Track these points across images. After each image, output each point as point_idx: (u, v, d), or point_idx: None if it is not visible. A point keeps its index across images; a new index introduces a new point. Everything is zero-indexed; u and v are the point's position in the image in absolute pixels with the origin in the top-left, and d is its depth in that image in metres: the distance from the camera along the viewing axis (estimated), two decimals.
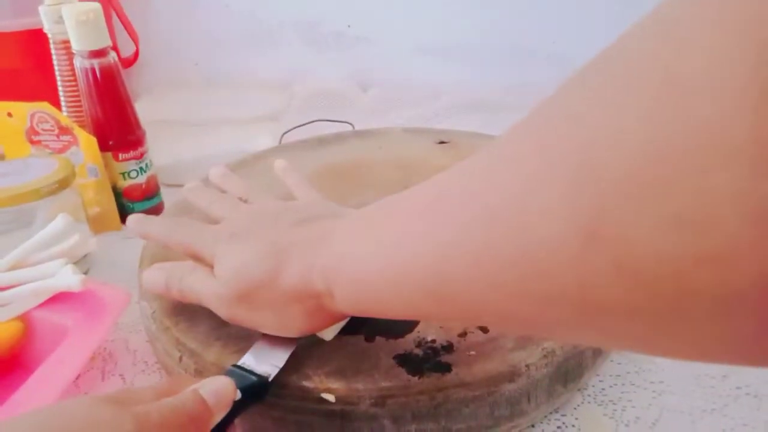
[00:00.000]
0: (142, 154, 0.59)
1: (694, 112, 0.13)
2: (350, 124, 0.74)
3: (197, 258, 0.35)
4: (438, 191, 0.24)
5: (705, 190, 0.13)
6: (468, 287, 0.22)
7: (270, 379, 0.31)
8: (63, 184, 0.50)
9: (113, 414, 0.24)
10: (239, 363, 0.32)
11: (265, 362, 0.32)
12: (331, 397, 0.31)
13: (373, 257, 0.26)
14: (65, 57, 0.57)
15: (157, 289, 0.37)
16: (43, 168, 0.51)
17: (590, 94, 0.17)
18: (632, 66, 0.16)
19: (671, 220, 0.14)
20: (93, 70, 0.55)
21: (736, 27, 0.13)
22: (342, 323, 0.35)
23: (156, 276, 0.37)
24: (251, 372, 0.31)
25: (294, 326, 0.32)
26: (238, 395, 0.29)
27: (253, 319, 0.32)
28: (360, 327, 0.36)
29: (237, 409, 0.28)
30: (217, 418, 0.27)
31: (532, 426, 0.36)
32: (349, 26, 0.94)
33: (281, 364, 0.32)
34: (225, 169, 0.45)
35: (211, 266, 0.34)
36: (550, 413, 0.36)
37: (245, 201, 0.40)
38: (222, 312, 0.33)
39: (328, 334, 0.35)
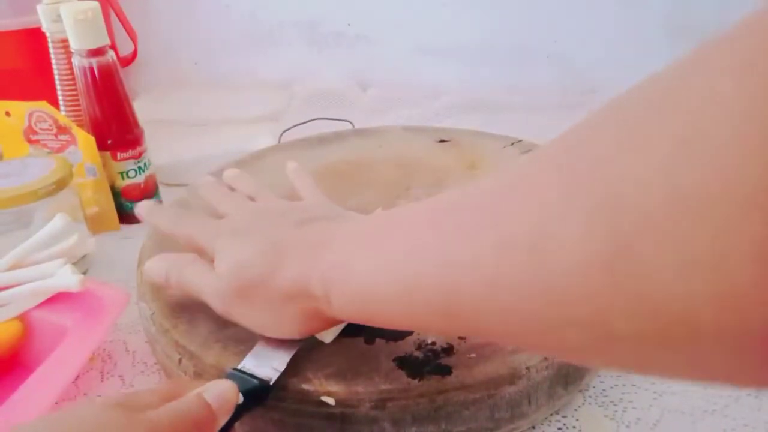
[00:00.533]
0: (140, 154, 0.59)
1: (714, 163, 0.14)
2: (350, 122, 0.74)
3: (200, 251, 0.35)
4: (453, 209, 0.24)
5: (722, 236, 0.14)
6: (478, 308, 0.22)
7: (272, 383, 0.31)
8: (60, 184, 0.50)
9: (126, 420, 0.24)
10: (239, 366, 0.32)
11: (266, 365, 0.31)
12: (330, 400, 0.31)
13: (379, 270, 0.26)
14: (63, 56, 0.57)
15: (158, 279, 0.37)
16: (40, 168, 0.51)
17: (617, 136, 0.18)
18: (658, 114, 0.16)
19: (689, 262, 0.15)
20: (91, 69, 0.55)
21: (757, 85, 0.14)
22: (341, 326, 0.35)
23: (158, 266, 0.37)
24: (252, 375, 0.31)
25: (289, 327, 0.32)
26: (240, 399, 0.28)
27: (248, 316, 0.32)
28: (360, 329, 0.36)
29: (238, 412, 0.28)
30: (221, 422, 0.27)
31: (533, 428, 0.36)
32: (349, 25, 0.94)
33: (282, 368, 0.32)
34: (238, 171, 0.45)
35: (212, 260, 0.34)
36: (551, 415, 0.36)
37: (254, 200, 0.40)
38: (218, 307, 0.33)
39: (328, 336, 0.35)
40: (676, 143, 0.15)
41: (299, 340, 0.33)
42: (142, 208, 0.40)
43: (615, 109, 0.19)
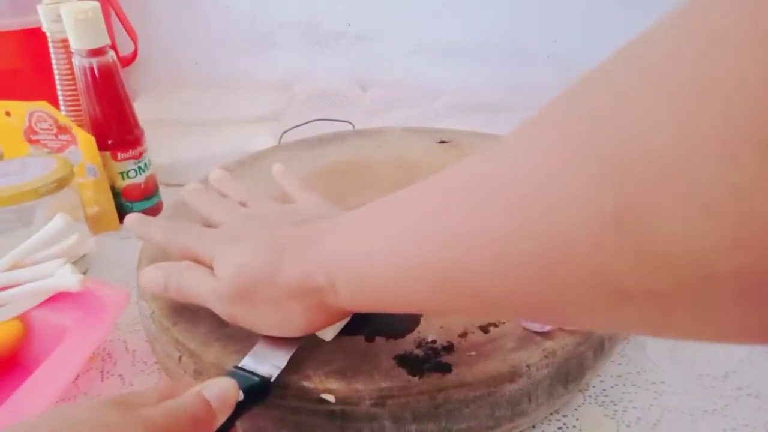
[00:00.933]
0: (140, 154, 0.59)
1: (724, 107, 0.14)
2: (350, 123, 0.74)
3: (196, 261, 0.35)
4: (451, 185, 0.24)
5: (736, 179, 0.13)
6: (484, 279, 0.21)
7: (272, 380, 0.31)
8: (62, 183, 0.50)
9: (121, 418, 0.24)
10: (240, 364, 0.32)
11: (266, 363, 0.31)
12: (331, 398, 0.31)
13: (380, 253, 0.26)
14: (64, 56, 0.57)
15: (156, 288, 0.37)
16: (41, 167, 0.51)
17: (615, 89, 0.17)
18: (659, 63, 0.16)
19: (701, 208, 0.14)
20: (91, 69, 0.55)
21: (761, 23, 0.13)
22: (342, 323, 0.35)
23: (154, 275, 0.36)
24: (253, 373, 0.31)
25: (293, 325, 0.31)
26: (241, 396, 0.28)
27: (252, 318, 0.32)
28: (360, 327, 0.36)
29: (239, 410, 0.28)
30: (221, 420, 0.27)
31: (533, 427, 0.36)
32: (349, 26, 0.94)
33: (283, 365, 0.32)
34: (224, 172, 0.45)
35: (210, 268, 0.34)
36: (551, 414, 0.36)
37: (245, 205, 0.40)
38: (221, 311, 0.33)
39: (329, 334, 0.35)
40: (681, 89, 0.15)
41: (299, 338, 0.33)
42: (131, 221, 0.39)
43: (608, 66, 0.18)
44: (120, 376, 0.41)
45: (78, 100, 0.58)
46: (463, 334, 0.35)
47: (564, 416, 0.36)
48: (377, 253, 0.26)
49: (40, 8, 0.56)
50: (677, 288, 0.15)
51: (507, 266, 0.20)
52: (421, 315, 0.37)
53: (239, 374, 0.31)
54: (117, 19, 0.82)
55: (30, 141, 0.57)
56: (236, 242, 0.33)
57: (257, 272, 0.31)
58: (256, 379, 0.30)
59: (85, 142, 0.55)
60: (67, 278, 0.41)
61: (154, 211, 0.61)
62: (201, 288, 0.34)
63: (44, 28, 0.57)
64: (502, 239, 0.20)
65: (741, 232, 0.14)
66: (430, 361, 0.33)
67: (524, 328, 0.35)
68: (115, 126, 0.57)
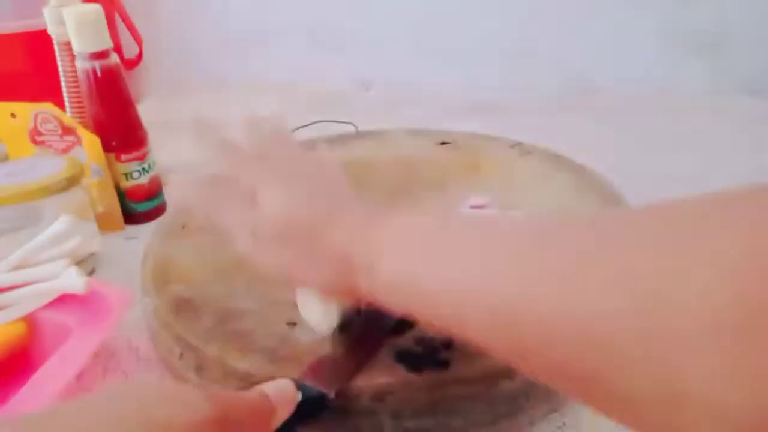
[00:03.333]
0: (144, 155, 0.59)
1: None
2: (353, 125, 0.75)
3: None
4: (564, 231, 0.22)
5: None
6: (551, 345, 0.20)
7: (330, 396, 0.30)
8: (71, 182, 0.50)
9: (189, 392, 0.23)
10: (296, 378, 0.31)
11: (324, 381, 0.31)
12: (331, 393, 0.32)
13: (449, 270, 0.25)
14: (69, 58, 0.58)
15: (190, 202, 0.35)
16: (51, 166, 0.51)
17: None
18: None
19: None
20: (94, 72, 0.55)
21: None
22: (338, 319, 0.35)
23: (193, 190, 0.35)
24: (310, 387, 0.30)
25: (316, 276, 0.30)
26: (300, 397, 0.28)
27: (277, 256, 0.31)
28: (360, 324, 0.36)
29: (295, 419, 0.28)
30: (280, 416, 0.27)
31: (531, 424, 0.36)
32: (352, 27, 0.95)
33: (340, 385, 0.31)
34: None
35: (251, 194, 0.31)
36: (550, 412, 0.36)
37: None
38: (249, 246, 0.32)
39: (327, 330, 0.35)
40: None
41: (357, 360, 0.33)
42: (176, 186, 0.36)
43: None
44: (123, 373, 0.42)
45: (83, 101, 0.59)
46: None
47: (563, 415, 0.36)
48: (441, 268, 0.25)
49: (45, 11, 0.57)
50: None
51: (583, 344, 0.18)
52: None
53: (298, 383, 0.30)
54: (122, 22, 0.83)
55: (35, 142, 0.58)
56: (287, 178, 0.31)
57: (307, 217, 0.30)
58: (314, 391, 0.30)
59: (90, 142, 0.56)
60: (72, 280, 0.42)
61: (157, 212, 0.61)
62: (237, 220, 0.32)
63: (49, 31, 0.57)
64: (589, 314, 0.18)
65: None
66: (429, 357, 0.33)
67: None
68: (119, 128, 0.57)
